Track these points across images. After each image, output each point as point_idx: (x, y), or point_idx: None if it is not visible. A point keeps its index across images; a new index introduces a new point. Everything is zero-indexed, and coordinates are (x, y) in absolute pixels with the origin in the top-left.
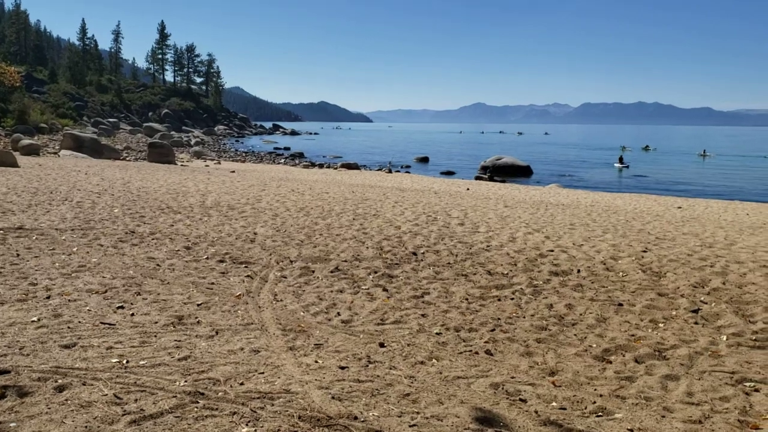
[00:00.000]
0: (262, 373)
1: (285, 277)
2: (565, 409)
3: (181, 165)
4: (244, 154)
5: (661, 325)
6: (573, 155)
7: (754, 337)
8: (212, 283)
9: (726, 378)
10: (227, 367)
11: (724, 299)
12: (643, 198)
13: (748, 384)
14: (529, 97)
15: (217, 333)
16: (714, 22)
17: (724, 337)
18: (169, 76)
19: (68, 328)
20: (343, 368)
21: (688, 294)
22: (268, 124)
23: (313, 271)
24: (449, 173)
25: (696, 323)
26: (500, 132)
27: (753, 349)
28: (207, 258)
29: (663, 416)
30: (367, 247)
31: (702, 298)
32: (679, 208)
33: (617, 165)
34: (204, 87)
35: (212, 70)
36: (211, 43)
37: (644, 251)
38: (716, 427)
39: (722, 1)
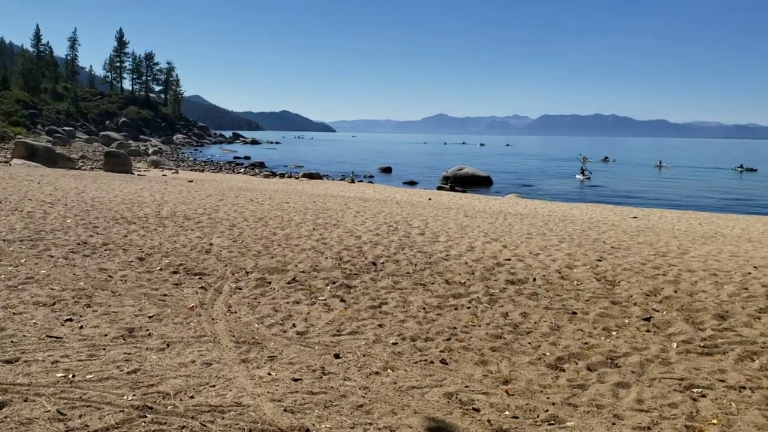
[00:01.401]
0: (214, 386)
1: (240, 289)
2: (517, 417)
3: (138, 174)
4: (203, 164)
5: (613, 333)
6: (532, 166)
7: (702, 344)
8: (165, 295)
9: (675, 384)
10: (178, 380)
11: (675, 307)
12: (599, 208)
13: (695, 390)
14: (490, 109)
15: (168, 345)
16: (668, 36)
17: (675, 345)
18: (127, 85)
19: (11, 342)
20: (296, 380)
21: (641, 302)
22: (228, 133)
23: (270, 283)
24: (412, 183)
25: (648, 331)
26: (463, 143)
27: (701, 356)
28: (160, 269)
29: (613, 423)
30: (326, 258)
31: (654, 306)
32: (635, 217)
33: (579, 177)
34: (163, 95)
35: (171, 78)
36: (171, 50)
37: (599, 260)
38: None
39: (675, 17)
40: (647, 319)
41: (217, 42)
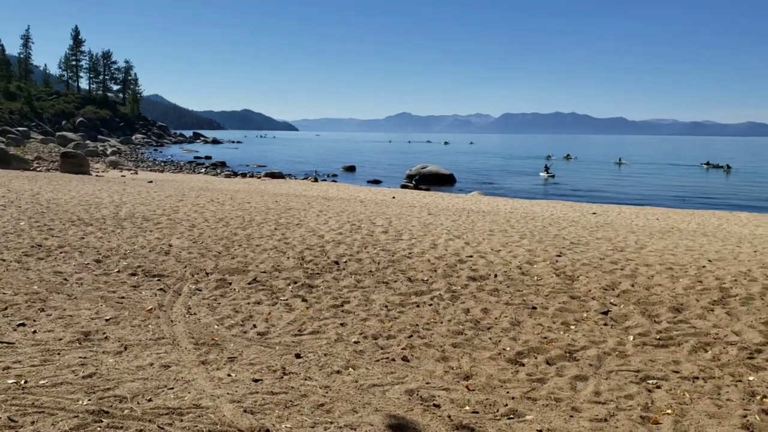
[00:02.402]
0: (172, 388)
1: (200, 290)
2: (477, 412)
3: (96, 175)
4: (162, 164)
5: (572, 327)
6: (495, 164)
7: (658, 337)
8: (123, 297)
9: (631, 376)
10: (135, 383)
11: (632, 301)
12: (560, 204)
13: (651, 381)
14: (452, 108)
15: (125, 348)
16: (626, 36)
17: (631, 337)
18: (84, 84)
19: None
20: (256, 381)
21: (599, 296)
22: (189, 133)
23: (230, 283)
24: (376, 182)
25: (605, 324)
26: (428, 141)
27: (657, 348)
28: (118, 271)
29: (571, 416)
30: (288, 258)
31: (612, 300)
32: (594, 214)
33: (543, 174)
34: (121, 95)
35: (130, 78)
36: (129, 49)
37: (559, 256)
38: (620, 424)
39: (632, 17)
40: (605, 313)
41: (177, 40)
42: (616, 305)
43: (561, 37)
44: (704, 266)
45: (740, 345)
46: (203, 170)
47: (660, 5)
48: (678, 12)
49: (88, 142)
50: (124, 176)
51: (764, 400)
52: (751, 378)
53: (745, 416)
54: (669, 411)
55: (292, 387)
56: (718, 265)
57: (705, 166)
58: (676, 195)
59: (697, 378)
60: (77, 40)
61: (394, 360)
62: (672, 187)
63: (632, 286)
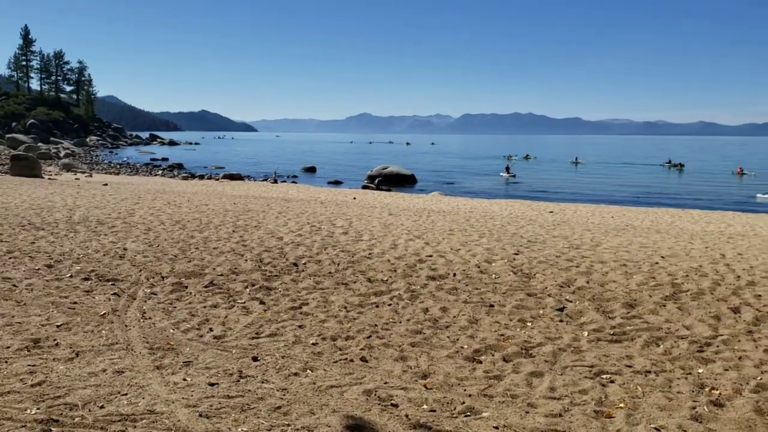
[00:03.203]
0: (126, 394)
1: (155, 294)
2: (435, 411)
3: (49, 178)
4: (118, 166)
5: (529, 324)
6: (455, 164)
7: (612, 332)
8: (75, 303)
9: (585, 372)
10: (87, 390)
11: (587, 297)
12: (518, 204)
13: (604, 376)
14: (413, 108)
15: (77, 355)
16: (581, 38)
17: (586, 333)
18: (35, 85)
19: None
20: (212, 385)
21: (555, 293)
22: (145, 134)
23: (186, 287)
24: (337, 183)
25: (561, 321)
26: (389, 142)
27: (611, 343)
28: (71, 276)
29: (527, 412)
30: (246, 260)
31: (567, 297)
32: (551, 212)
33: (504, 175)
34: (74, 96)
35: (83, 78)
36: (82, 49)
37: (516, 254)
38: (574, 419)
39: (585, 20)
40: (560, 310)
41: (131, 40)
42: (571, 302)
43: (518, 40)
44: (657, 262)
45: (690, 339)
46: (160, 172)
47: (612, 10)
48: (630, 17)
49: (40, 144)
50: (78, 179)
51: (713, 391)
52: (700, 371)
53: (694, 408)
54: (622, 405)
55: (249, 390)
56: (670, 261)
57: (667, 165)
58: (630, 193)
59: (649, 372)
60: (27, 40)
61: (352, 361)
62: (627, 185)
63: (587, 282)
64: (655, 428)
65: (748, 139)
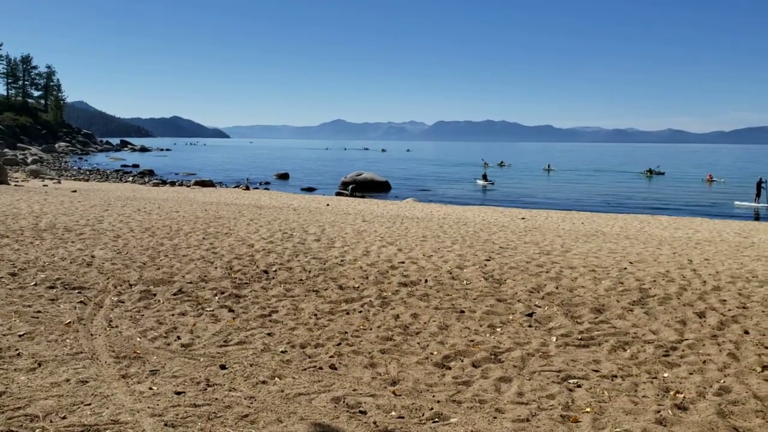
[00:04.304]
0: (89, 404)
1: (122, 302)
2: (403, 417)
3: (15, 185)
4: (88, 173)
5: (498, 329)
6: (430, 171)
7: (580, 337)
8: (39, 312)
9: (553, 376)
10: (49, 401)
11: (556, 302)
12: (491, 210)
13: (572, 381)
14: (387, 115)
15: (39, 365)
16: (551, 47)
17: (554, 338)
18: (1, 89)
19: None
20: (179, 393)
21: (525, 299)
22: (116, 141)
23: (155, 295)
24: (310, 189)
25: (530, 326)
26: (365, 149)
27: (578, 348)
28: (35, 284)
29: (495, 417)
30: (216, 267)
31: (537, 302)
32: (523, 218)
33: (481, 182)
34: (43, 101)
35: (52, 83)
36: (51, 54)
37: (488, 260)
38: (541, 424)
39: (555, 29)
40: (530, 315)
41: (101, 45)
42: (540, 307)
43: (492, 48)
44: (626, 268)
45: (657, 343)
46: (131, 179)
47: (583, 20)
48: (600, 26)
49: (6, 150)
50: (46, 186)
51: (677, 395)
52: (666, 375)
53: (659, 412)
54: (588, 409)
55: (216, 398)
56: (638, 266)
57: (647, 173)
58: (601, 200)
59: (616, 376)
60: None
61: (321, 368)
62: (597, 192)
63: (557, 288)
64: None
65: (716, 146)
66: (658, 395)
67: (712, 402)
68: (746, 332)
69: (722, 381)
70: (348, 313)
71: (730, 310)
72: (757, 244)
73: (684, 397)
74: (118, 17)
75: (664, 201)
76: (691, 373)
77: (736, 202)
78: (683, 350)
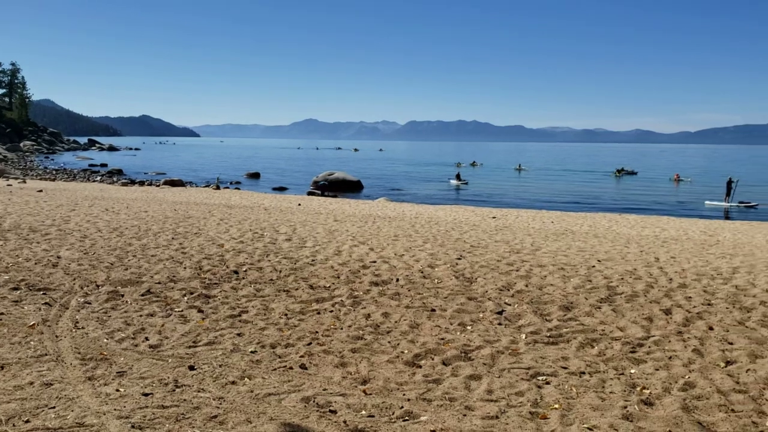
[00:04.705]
0: (54, 407)
1: (89, 303)
2: (373, 416)
3: None
4: (54, 172)
5: (468, 327)
6: (402, 170)
7: (549, 334)
8: (2, 314)
9: (522, 374)
10: (12, 404)
11: (526, 300)
12: (462, 209)
13: (541, 378)
14: (359, 115)
15: (2, 368)
16: (523, 47)
17: (524, 336)
18: None
19: None
20: (146, 395)
21: (495, 297)
22: (84, 140)
23: (122, 295)
24: (281, 189)
25: (500, 324)
26: (338, 148)
27: (547, 345)
28: None
29: (464, 415)
30: (185, 268)
31: (507, 300)
32: (494, 218)
33: (454, 182)
34: (7, 99)
35: (16, 81)
36: (15, 51)
37: (459, 258)
38: (510, 421)
39: (527, 27)
40: (500, 313)
41: (69, 42)
42: (510, 305)
43: (464, 48)
44: (594, 266)
45: (624, 340)
46: (99, 178)
47: (552, 20)
48: (569, 26)
49: None
50: (10, 185)
51: (643, 391)
52: (632, 371)
53: (625, 407)
54: (556, 406)
55: (185, 400)
56: (606, 264)
57: (619, 172)
58: (571, 199)
59: (584, 373)
60: None
61: (291, 368)
62: (567, 191)
63: (526, 286)
64: (588, 428)
65: (682, 146)
66: (624, 391)
67: (677, 397)
68: (711, 328)
69: (687, 376)
70: (319, 313)
71: (695, 306)
72: (722, 242)
73: (650, 392)
74: (86, 15)
75: (632, 200)
76: (657, 369)
77: (707, 202)
78: (649, 347)
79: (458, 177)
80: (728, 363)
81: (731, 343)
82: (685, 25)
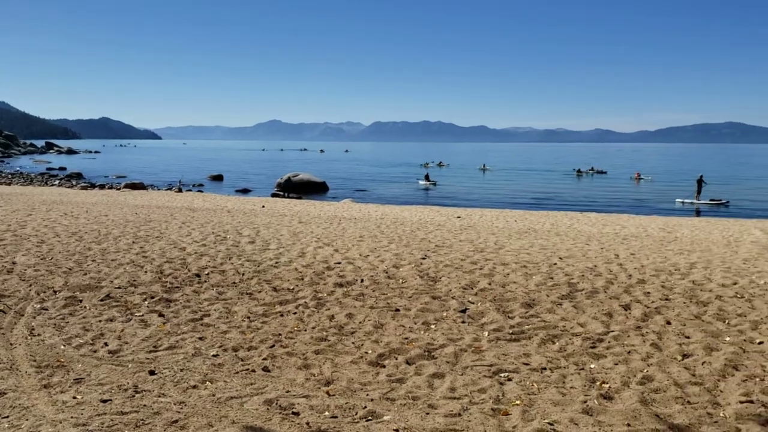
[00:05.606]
0: (7, 416)
1: (46, 309)
2: (336, 417)
3: None
4: (10, 176)
5: (432, 326)
6: (368, 171)
7: (511, 331)
8: None
9: (485, 371)
10: None
11: (489, 298)
12: (428, 209)
13: (503, 374)
14: (324, 116)
15: None
16: (486, 46)
17: (486, 333)
18: None
19: None
20: (105, 401)
21: (459, 295)
22: (41, 143)
23: (81, 301)
24: (245, 191)
25: (463, 322)
26: (303, 149)
27: (509, 342)
28: None
29: (427, 413)
30: (146, 272)
31: (470, 299)
32: (458, 217)
33: (423, 182)
34: None
35: None
36: None
37: (424, 258)
38: (473, 418)
39: (489, 28)
40: (463, 311)
41: (25, 41)
42: (474, 303)
43: (427, 49)
44: (555, 263)
45: (584, 335)
46: (57, 182)
47: (513, 21)
48: (530, 27)
49: None
50: None
51: (603, 385)
52: (592, 366)
53: (585, 402)
54: (518, 402)
55: (145, 405)
56: (568, 262)
57: (590, 171)
58: (533, 198)
59: (545, 369)
60: None
61: (254, 371)
62: (530, 190)
63: (489, 284)
64: (549, 423)
65: (641, 145)
66: (584, 386)
67: (635, 390)
68: (668, 323)
69: (645, 370)
70: (282, 315)
71: (653, 302)
72: (680, 239)
73: (609, 386)
74: (42, 15)
75: (594, 198)
76: (617, 364)
77: (678, 200)
78: (609, 342)
79: (427, 177)
80: (685, 356)
81: (688, 337)
82: (644, 25)
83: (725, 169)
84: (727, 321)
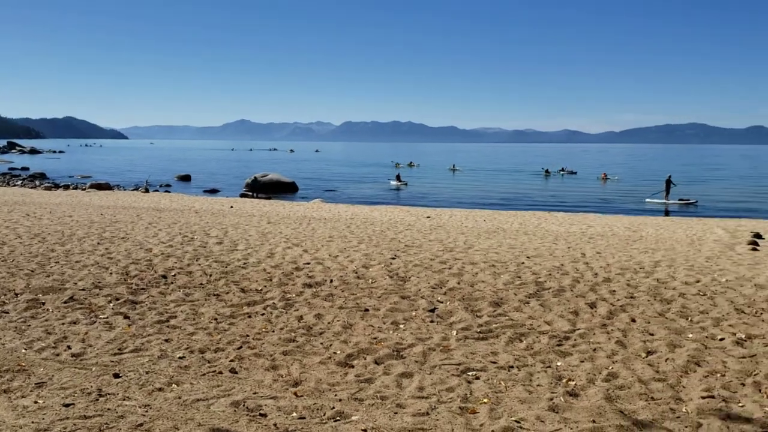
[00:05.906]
0: None
1: (6, 312)
2: (304, 418)
3: None
4: None
5: (401, 326)
6: (338, 171)
7: (479, 330)
8: None
9: (453, 370)
10: None
11: (457, 297)
12: (398, 209)
13: (470, 373)
14: (293, 115)
15: None
16: (455, 46)
17: (455, 332)
18: None
19: None
20: (68, 405)
21: (428, 295)
22: (2, 142)
23: (44, 303)
24: (213, 191)
25: (432, 321)
26: (273, 149)
27: (477, 341)
28: None
29: (396, 413)
30: (111, 273)
31: (439, 298)
32: (428, 217)
33: (394, 183)
34: None
35: None
36: None
37: (393, 258)
38: (440, 417)
39: (459, 28)
40: (432, 311)
41: None
42: (442, 302)
43: (397, 49)
44: (523, 262)
45: (551, 333)
46: (19, 182)
47: (482, 22)
48: (499, 29)
49: None
50: None
51: (569, 383)
52: (559, 363)
53: (552, 399)
54: (486, 400)
55: (108, 409)
56: (535, 260)
57: (561, 172)
58: (502, 198)
59: (512, 367)
60: None
61: (221, 373)
62: (498, 190)
63: (458, 283)
64: (516, 421)
65: (607, 146)
66: (551, 383)
67: (600, 388)
68: (633, 320)
69: (610, 367)
70: (250, 316)
71: (618, 300)
72: (645, 238)
73: (575, 384)
74: (3, 13)
75: (561, 198)
76: (582, 361)
77: (648, 199)
78: (575, 339)
79: (398, 178)
80: (649, 353)
81: (652, 334)
82: (610, 26)
83: (691, 169)
84: (690, 318)
